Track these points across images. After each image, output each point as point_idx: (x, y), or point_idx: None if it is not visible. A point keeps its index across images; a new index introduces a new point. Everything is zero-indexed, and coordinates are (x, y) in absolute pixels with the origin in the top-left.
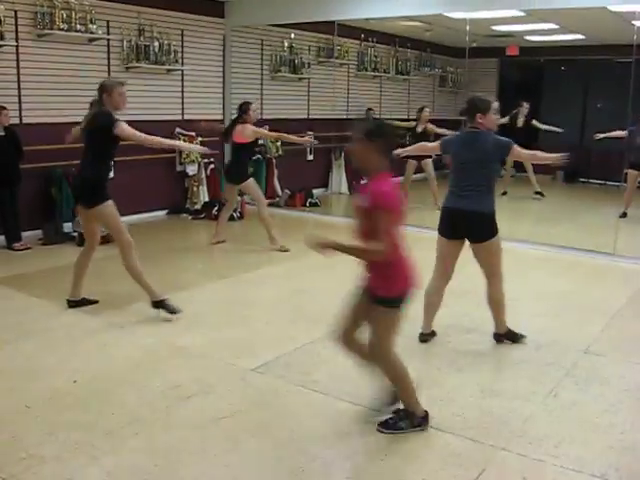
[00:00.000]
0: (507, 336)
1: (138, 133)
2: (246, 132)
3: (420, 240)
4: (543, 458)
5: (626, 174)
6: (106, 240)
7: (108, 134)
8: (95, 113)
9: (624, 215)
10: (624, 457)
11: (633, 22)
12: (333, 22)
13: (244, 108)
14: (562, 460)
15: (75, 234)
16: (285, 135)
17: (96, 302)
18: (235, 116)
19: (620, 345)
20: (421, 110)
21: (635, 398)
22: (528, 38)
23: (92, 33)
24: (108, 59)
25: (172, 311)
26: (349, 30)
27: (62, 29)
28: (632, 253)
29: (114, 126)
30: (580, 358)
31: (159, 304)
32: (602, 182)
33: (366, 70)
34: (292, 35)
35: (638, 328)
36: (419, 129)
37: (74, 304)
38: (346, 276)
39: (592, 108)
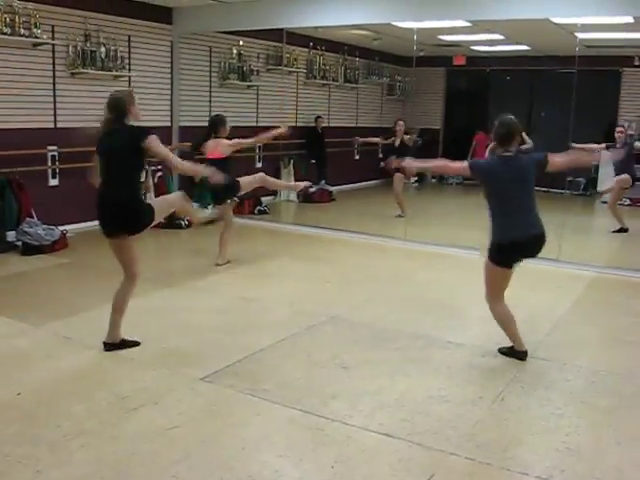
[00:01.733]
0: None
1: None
2: (221, 148)
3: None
4: (491, 462)
5: None
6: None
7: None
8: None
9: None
10: (568, 459)
11: (575, 34)
12: (282, 30)
13: (219, 122)
14: (509, 463)
15: (19, 243)
16: (260, 137)
17: (137, 344)
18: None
19: (565, 349)
20: (395, 123)
21: (579, 401)
22: (474, 48)
23: (36, 38)
24: (53, 64)
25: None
26: (298, 38)
27: (5, 33)
28: (575, 259)
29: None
30: (526, 363)
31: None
32: (546, 189)
33: (315, 78)
34: (241, 42)
35: (582, 332)
36: (397, 143)
37: (111, 347)
38: (293, 284)
39: (536, 117)
